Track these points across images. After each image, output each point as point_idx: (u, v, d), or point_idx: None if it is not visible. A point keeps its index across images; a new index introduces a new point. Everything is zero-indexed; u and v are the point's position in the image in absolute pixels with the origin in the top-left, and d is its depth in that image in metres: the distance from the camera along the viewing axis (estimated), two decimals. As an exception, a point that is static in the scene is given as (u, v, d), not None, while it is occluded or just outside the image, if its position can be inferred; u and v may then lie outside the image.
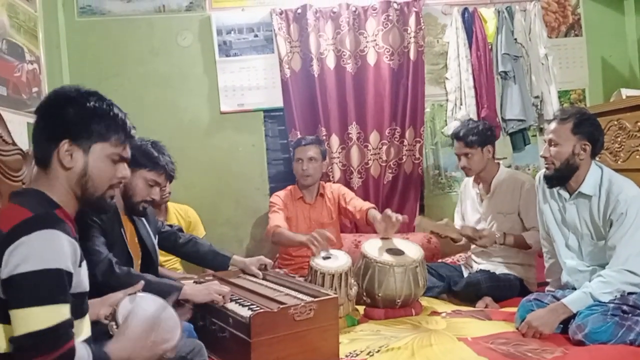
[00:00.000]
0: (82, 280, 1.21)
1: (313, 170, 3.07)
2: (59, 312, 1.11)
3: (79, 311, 1.19)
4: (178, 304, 1.86)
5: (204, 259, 2.42)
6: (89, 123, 1.27)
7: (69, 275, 1.14)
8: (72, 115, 1.26)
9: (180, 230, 2.49)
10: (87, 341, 1.23)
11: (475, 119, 3.53)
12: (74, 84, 1.32)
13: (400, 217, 2.63)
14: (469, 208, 3.02)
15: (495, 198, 2.85)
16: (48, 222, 1.14)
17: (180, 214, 3.11)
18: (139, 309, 1.37)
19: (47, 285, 1.10)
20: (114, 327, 1.35)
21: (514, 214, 2.81)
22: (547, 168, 2.27)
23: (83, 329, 1.21)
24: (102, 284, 1.71)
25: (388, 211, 2.69)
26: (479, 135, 2.79)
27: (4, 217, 1.18)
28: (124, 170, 1.35)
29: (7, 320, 1.11)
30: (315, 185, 3.16)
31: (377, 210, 2.99)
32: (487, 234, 2.73)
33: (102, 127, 1.28)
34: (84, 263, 1.24)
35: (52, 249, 1.12)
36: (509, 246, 2.74)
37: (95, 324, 1.32)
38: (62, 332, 1.11)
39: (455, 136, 2.88)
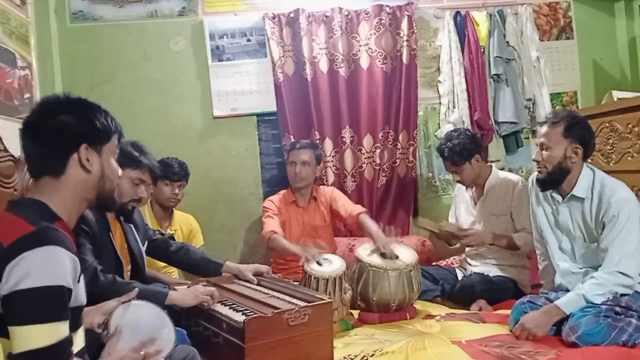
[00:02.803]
0: (79, 294, 1.21)
1: (305, 174, 3.07)
2: (59, 330, 1.10)
3: (74, 324, 1.18)
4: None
5: (196, 266, 2.41)
6: (98, 125, 1.29)
7: (69, 291, 1.13)
8: (82, 120, 1.27)
9: (172, 238, 2.48)
10: (81, 352, 1.22)
11: (468, 122, 3.55)
12: (65, 92, 1.33)
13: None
14: (462, 211, 3.03)
15: (489, 200, 2.86)
16: (49, 238, 1.13)
17: (182, 221, 3.12)
18: (133, 319, 1.37)
19: (47, 303, 1.09)
20: (106, 336, 1.34)
21: (507, 215, 2.82)
22: (539, 172, 2.28)
23: (77, 341, 1.21)
24: (88, 292, 1.71)
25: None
26: (461, 153, 2.78)
27: (3, 228, 1.16)
28: (119, 167, 1.40)
29: (7, 335, 1.10)
30: (308, 189, 3.16)
31: (368, 215, 2.97)
32: (472, 232, 2.74)
33: (106, 128, 1.31)
34: (82, 277, 1.23)
35: (53, 266, 1.10)
36: (500, 247, 2.75)
37: (86, 331, 1.31)
38: (61, 350, 1.10)
39: (441, 155, 2.89)
